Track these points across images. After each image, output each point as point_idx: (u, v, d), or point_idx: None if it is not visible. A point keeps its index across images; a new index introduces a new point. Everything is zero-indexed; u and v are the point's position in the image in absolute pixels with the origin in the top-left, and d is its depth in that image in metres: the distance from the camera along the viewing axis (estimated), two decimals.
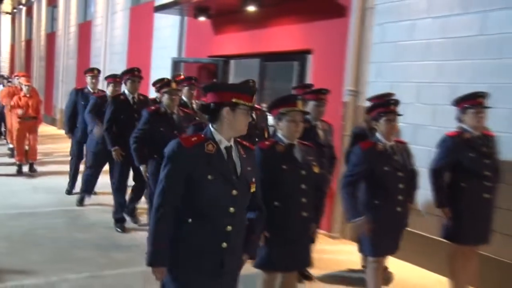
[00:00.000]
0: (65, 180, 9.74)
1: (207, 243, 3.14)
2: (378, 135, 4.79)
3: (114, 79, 8.23)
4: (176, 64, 11.80)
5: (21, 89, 11.55)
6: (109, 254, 6.32)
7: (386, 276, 5.49)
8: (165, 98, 6.42)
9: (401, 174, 4.70)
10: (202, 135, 3.22)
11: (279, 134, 4.23)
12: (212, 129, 3.19)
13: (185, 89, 7.60)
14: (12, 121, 11.98)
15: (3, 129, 15.81)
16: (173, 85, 6.44)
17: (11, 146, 13.13)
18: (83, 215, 7.97)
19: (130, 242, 6.85)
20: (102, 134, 7.74)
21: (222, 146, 3.17)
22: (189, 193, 3.11)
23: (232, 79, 10.87)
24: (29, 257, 6.10)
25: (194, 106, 7.57)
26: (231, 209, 3.15)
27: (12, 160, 11.73)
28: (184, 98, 7.55)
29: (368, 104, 6.26)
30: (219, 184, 3.10)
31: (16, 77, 13.87)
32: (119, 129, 7.08)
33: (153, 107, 6.55)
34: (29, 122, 11.05)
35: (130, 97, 7.37)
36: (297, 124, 4.16)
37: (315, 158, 4.40)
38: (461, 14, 6.26)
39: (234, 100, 3.18)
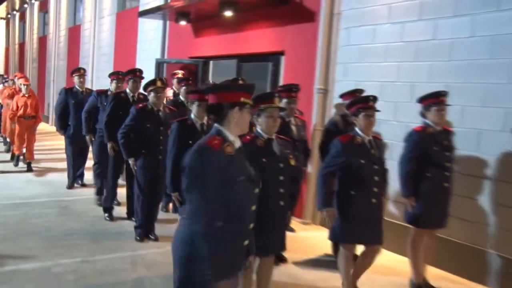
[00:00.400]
0: (58, 174, 9.77)
1: (237, 244, 3.11)
2: (357, 129, 4.77)
3: (117, 76, 8.05)
4: (159, 64, 11.70)
5: (19, 90, 11.07)
6: (99, 241, 6.31)
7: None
8: (151, 96, 6.34)
9: (376, 167, 4.70)
10: (218, 137, 3.04)
11: (259, 129, 4.20)
12: (222, 129, 3.09)
13: (182, 89, 7.54)
14: (8, 122, 11.68)
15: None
16: (159, 83, 6.35)
17: (7, 139, 12.77)
18: (74, 206, 7.91)
19: (118, 229, 6.82)
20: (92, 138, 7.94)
21: (236, 146, 3.11)
22: (222, 198, 2.93)
23: (211, 78, 10.82)
24: (25, 244, 6.08)
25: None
26: (253, 208, 3.18)
27: (8, 158, 11.63)
28: (181, 97, 7.50)
29: (340, 100, 6.36)
30: (246, 184, 3.07)
31: (16, 78, 13.20)
32: (117, 125, 6.84)
33: (140, 105, 6.46)
34: (29, 121, 10.61)
35: (130, 96, 7.28)
36: (274, 119, 4.14)
37: (291, 152, 4.39)
38: (416, 21, 6.36)
39: (242, 99, 3.12)
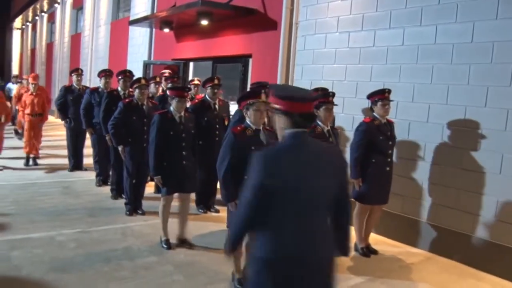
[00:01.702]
0: (60, 159, 9.62)
1: None
2: (318, 120, 4.81)
3: (104, 73, 7.89)
4: (146, 65, 11.56)
5: (29, 88, 9.79)
6: (95, 215, 6.25)
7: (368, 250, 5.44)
8: (136, 92, 6.25)
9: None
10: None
11: (248, 121, 4.14)
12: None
13: (169, 85, 7.31)
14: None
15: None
16: (142, 81, 6.28)
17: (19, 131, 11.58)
18: (75, 186, 7.80)
19: (111, 206, 6.76)
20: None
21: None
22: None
23: (191, 76, 10.75)
24: (33, 217, 6.01)
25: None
26: None
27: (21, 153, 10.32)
28: (167, 93, 7.33)
29: None
30: None
31: (26, 80, 12.37)
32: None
33: (127, 100, 6.38)
34: (36, 119, 9.33)
35: (121, 93, 7.15)
36: (261, 112, 4.10)
37: (275, 141, 4.39)
38: (359, 31, 6.42)
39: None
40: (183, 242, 5.31)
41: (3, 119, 8.61)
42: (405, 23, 5.81)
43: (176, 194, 5.30)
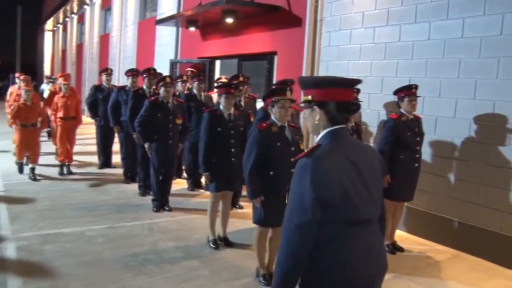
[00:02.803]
0: (90, 157, 9.80)
1: None
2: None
3: (132, 72, 8.03)
4: (173, 64, 11.73)
5: (60, 89, 8.99)
6: (123, 211, 6.38)
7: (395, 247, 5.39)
8: (161, 90, 6.33)
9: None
10: None
11: (273, 118, 4.16)
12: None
13: (195, 84, 7.47)
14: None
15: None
16: (167, 80, 6.35)
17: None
18: (103, 183, 7.98)
19: (139, 202, 6.88)
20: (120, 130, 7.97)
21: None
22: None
23: (217, 75, 10.82)
24: (65, 213, 6.19)
25: (203, 97, 7.46)
26: None
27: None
28: (194, 90, 7.43)
29: None
30: None
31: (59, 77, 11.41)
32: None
33: (152, 98, 6.46)
34: (69, 123, 8.50)
35: (147, 91, 7.26)
36: (286, 109, 4.12)
37: (300, 137, 4.35)
38: (384, 26, 6.35)
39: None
40: (224, 241, 5.32)
41: (39, 124, 8.23)
42: (431, 17, 5.73)
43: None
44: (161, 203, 6.52)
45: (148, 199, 6.78)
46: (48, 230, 5.47)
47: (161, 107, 6.32)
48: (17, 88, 10.38)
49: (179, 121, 6.48)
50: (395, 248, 5.34)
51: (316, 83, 2.11)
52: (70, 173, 8.58)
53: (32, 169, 8.08)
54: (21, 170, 8.37)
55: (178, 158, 7.39)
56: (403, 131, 5.10)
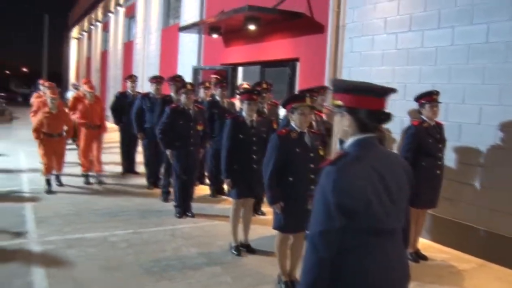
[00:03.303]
0: (113, 165, 9.93)
1: None
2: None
3: (155, 80, 8.13)
4: (196, 70, 11.85)
5: (84, 96, 8.85)
6: (146, 217, 6.46)
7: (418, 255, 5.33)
8: (182, 97, 6.38)
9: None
10: None
11: (293, 124, 4.18)
12: None
13: (218, 90, 7.50)
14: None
15: None
16: (189, 87, 6.40)
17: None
18: (126, 188, 8.08)
19: (162, 208, 6.97)
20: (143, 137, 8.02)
21: None
22: None
23: (239, 82, 10.89)
24: (89, 218, 6.30)
25: (225, 104, 7.49)
26: None
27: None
28: (217, 97, 7.47)
29: None
30: None
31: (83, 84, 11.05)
32: None
33: (173, 105, 6.51)
34: (94, 131, 8.31)
35: (174, 99, 7.29)
36: (306, 116, 4.14)
37: (320, 143, 4.38)
38: (407, 32, 6.33)
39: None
40: (247, 248, 5.34)
41: (64, 133, 7.92)
42: (455, 22, 5.69)
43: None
44: (184, 209, 6.58)
45: (171, 205, 6.85)
46: (72, 235, 5.58)
47: (182, 114, 6.37)
48: (41, 94, 10.32)
49: (200, 128, 6.52)
50: (418, 256, 5.29)
51: (349, 89, 2.06)
52: (100, 182, 8.35)
53: (57, 176, 8.00)
54: (49, 190, 7.56)
55: (200, 164, 7.45)
56: (424, 137, 5.06)
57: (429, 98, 5.10)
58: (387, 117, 2.08)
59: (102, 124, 8.47)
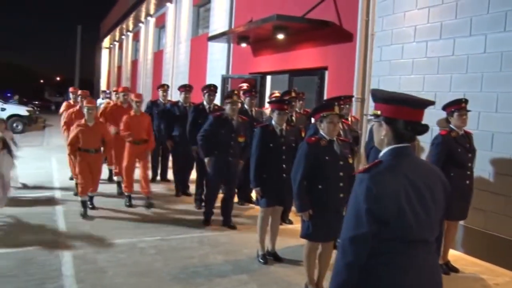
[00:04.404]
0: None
1: None
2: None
3: (184, 88, 8.16)
4: (224, 79, 11.97)
5: (121, 104, 8.37)
6: (175, 224, 6.53)
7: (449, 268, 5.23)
8: (227, 107, 6.33)
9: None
10: None
11: (322, 132, 4.20)
12: None
13: (246, 99, 7.49)
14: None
15: None
16: (234, 97, 6.35)
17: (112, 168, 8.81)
18: (155, 196, 8.05)
19: (190, 215, 7.03)
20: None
21: None
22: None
23: (268, 90, 10.96)
24: (118, 223, 6.43)
25: (254, 113, 7.49)
26: None
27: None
28: (245, 106, 7.44)
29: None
30: None
31: (115, 93, 10.45)
32: (198, 131, 6.84)
33: (217, 113, 6.50)
34: (140, 146, 7.28)
35: (207, 107, 7.37)
36: (335, 124, 4.16)
37: (349, 151, 4.37)
38: (437, 40, 6.26)
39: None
40: (274, 256, 5.33)
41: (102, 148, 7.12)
42: (487, 29, 5.61)
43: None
44: (224, 221, 6.52)
45: (200, 212, 6.93)
46: (102, 241, 5.69)
47: (225, 123, 6.33)
48: (70, 102, 9.80)
49: (241, 139, 6.42)
50: (449, 269, 5.19)
51: (388, 99, 2.11)
52: (150, 206, 7.33)
53: (91, 198, 7.10)
54: (85, 213, 6.75)
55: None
56: (453, 147, 4.98)
57: (457, 106, 5.03)
58: (424, 128, 2.11)
59: (149, 139, 7.45)
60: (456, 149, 4.98)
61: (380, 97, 2.14)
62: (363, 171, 2.03)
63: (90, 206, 7.00)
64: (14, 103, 22.26)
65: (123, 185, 7.63)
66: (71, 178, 8.55)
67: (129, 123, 7.23)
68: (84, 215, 6.70)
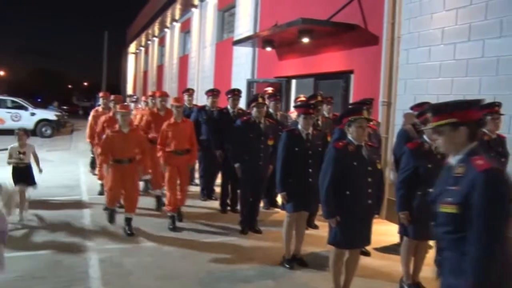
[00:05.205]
0: None
1: None
2: (425, 136, 4.44)
3: (212, 93, 8.13)
4: (249, 83, 11.98)
5: (158, 111, 7.71)
6: (199, 228, 6.56)
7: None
8: (254, 111, 6.31)
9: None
10: None
11: (350, 137, 4.15)
12: None
13: (271, 103, 7.47)
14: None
15: None
16: (260, 100, 6.33)
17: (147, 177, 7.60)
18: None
19: (216, 219, 7.05)
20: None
21: None
22: None
23: (293, 94, 10.96)
24: (144, 227, 6.45)
25: (279, 117, 7.47)
26: None
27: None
28: (270, 110, 7.41)
29: (409, 111, 6.22)
30: None
31: (151, 98, 9.32)
32: (222, 136, 6.97)
33: (245, 117, 6.50)
34: (182, 158, 6.54)
35: (231, 111, 7.40)
36: (363, 129, 4.11)
37: (378, 156, 4.30)
38: (466, 42, 6.17)
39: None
40: (299, 261, 5.30)
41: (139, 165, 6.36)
42: None
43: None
44: (250, 225, 6.51)
45: (226, 216, 6.96)
46: (128, 243, 5.76)
47: (253, 127, 6.32)
48: (98, 110, 9.10)
49: (270, 142, 6.38)
50: None
51: (460, 106, 2.44)
52: (180, 219, 6.78)
53: (128, 220, 6.23)
54: (111, 219, 6.52)
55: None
56: (485, 151, 4.84)
57: (490, 110, 4.92)
58: (483, 122, 2.61)
59: (193, 149, 6.72)
60: (488, 153, 4.83)
61: (450, 107, 2.44)
62: (482, 170, 2.27)
63: (129, 231, 6.12)
64: (53, 109, 22.75)
65: (165, 202, 6.76)
66: (101, 193, 8.15)
67: (170, 132, 6.48)
68: (110, 221, 6.54)
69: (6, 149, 6.90)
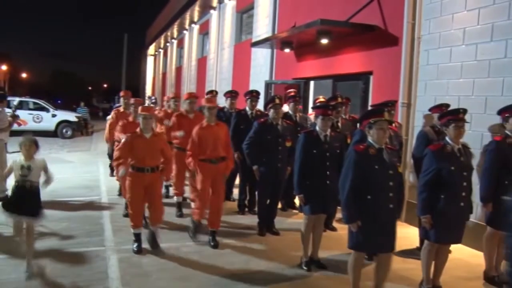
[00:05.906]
0: None
1: None
2: (447, 138, 4.47)
3: (230, 94, 8.15)
4: (268, 85, 11.98)
5: (186, 114, 7.28)
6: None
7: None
8: (271, 112, 6.31)
9: (465, 173, 4.36)
10: None
11: (370, 140, 4.10)
12: None
13: (290, 105, 7.46)
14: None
15: None
16: (277, 101, 6.28)
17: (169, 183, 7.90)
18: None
19: (232, 220, 7.07)
20: None
21: None
22: None
23: (311, 95, 10.93)
24: (163, 228, 6.32)
25: (298, 118, 7.43)
26: None
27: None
28: (290, 111, 7.41)
29: (428, 112, 6.16)
30: None
31: (173, 100, 8.83)
32: (241, 138, 6.91)
33: (262, 119, 6.49)
34: (217, 166, 5.88)
35: (249, 112, 7.40)
36: (385, 131, 4.05)
37: (398, 160, 4.24)
38: (488, 42, 6.07)
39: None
40: (317, 263, 5.28)
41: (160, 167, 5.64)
42: None
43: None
44: (268, 226, 6.51)
45: (243, 217, 6.95)
46: (146, 244, 5.76)
47: (271, 128, 6.31)
48: (119, 110, 8.89)
49: (288, 144, 6.34)
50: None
51: None
52: (215, 245, 5.81)
53: (152, 235, 5.66)
54: (139, 249, 5.52)
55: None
56: (508, 154, 4.73)
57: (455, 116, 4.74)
58: None
59: (228, 156, 6.06)
60: (510, 155, 4.73)
61: None
62: None
63: (155, 246, 5.61)
64: (83, 111, 23.01)
65: (193, 210, 6.17)
66: (120, 194, 8.04)
67: (203, 137, 5.81)
68: (138, 251, 5.48)
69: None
